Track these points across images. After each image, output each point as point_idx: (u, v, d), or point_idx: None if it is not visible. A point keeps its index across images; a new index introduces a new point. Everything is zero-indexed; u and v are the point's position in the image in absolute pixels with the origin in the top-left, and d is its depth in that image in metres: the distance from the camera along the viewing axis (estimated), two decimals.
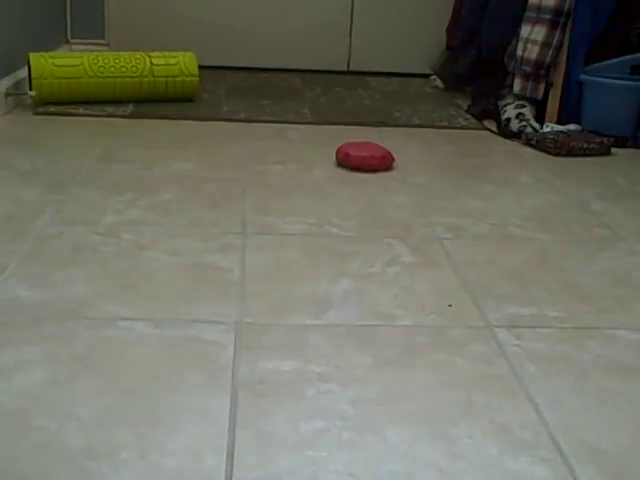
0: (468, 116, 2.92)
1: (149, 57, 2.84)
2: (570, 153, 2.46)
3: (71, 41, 3.57)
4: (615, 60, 2.71)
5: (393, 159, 2.23)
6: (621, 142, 2.58)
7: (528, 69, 2.74)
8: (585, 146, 2.49)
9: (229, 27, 3.63)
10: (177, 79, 2.85)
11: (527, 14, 2.77)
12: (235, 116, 2.74)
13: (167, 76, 2.84)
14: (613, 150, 2.53)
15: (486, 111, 2.87)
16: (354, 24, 3.68)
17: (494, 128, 2.75)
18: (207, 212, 1.81)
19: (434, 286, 1.49)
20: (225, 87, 3.23)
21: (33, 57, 2.70)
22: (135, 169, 2.10)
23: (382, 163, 2.20)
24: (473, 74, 3.16)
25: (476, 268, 1.58)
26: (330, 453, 0.99)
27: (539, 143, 2.52)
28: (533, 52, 2.72)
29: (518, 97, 2.79)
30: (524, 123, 2.65)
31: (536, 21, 2.72)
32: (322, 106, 2.98)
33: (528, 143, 2.57)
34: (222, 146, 2.38)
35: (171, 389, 1.11)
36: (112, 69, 2.77)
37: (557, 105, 2.74)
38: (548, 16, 2.67)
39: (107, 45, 3.59)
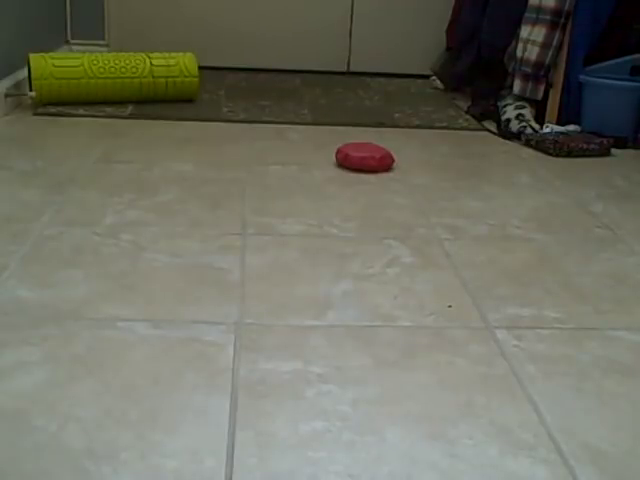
0: (468, 117, 2.92)
1: (149, 58, 2.84)
2: (570, 154, 2.47)
3: (71, 42, 3.57)
4: (615, 61, 2.71)
5: (393, 160, 2.23)
6: (621, 143, 2.58)
7: (528, 70, 2.74)
8: (585, 147, 2.49)
9: (229, 28, 3.64)
10: (177, 80, 2.86)
11: (527, 15, 2.77)
12: (235, 117, 2.74)
13: (167, 77, 2.84)
14: (613, 151, 2.54)
15: (486, 112, 2.88)
16: (354, 24, 3.68)
17: (494, 129, 2.75)
18: (207, 213, 1.81)
19: (434, 287, 1.49)
20: (225, 88, 3.23)
21: (33, 58, 2.70)
22: (135, 170, 2.10)
23: (382, 164, 2.20)
24: (473, 75, 3.16)
25: (476, 269, 1.58)
26: (330, 454, 0.99)
27: (539, 144, 2.52)
28: (533, 53, 2.72)
29: (518, 98, 2.79)
30: (524, 124, 2.65)
31: (536, 22, 2.72)
32: (322, 107, 2.98)
33: (528, 144, 2.57)
34: (222, 147, 2.38)
35: (171, 390, 1.11)
36: (112, 70, 2.77)
37: (557, 106, 2.74)
38: (548, 17, 2.67)
39: (107, 46, 3.60)
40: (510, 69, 2.88)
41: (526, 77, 2.76)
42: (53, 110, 2.68)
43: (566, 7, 2.65)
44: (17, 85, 2.72)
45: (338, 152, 2.23)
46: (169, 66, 2.85)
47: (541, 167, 2.35)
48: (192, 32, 3.60)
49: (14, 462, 0.95)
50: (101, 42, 3.60)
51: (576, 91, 2.70)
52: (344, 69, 3.72)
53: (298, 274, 1.52)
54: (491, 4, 3.04)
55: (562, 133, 2.59)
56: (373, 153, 2.21)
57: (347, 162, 2.20)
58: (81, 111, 2.69)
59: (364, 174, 2.16)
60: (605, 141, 2.53)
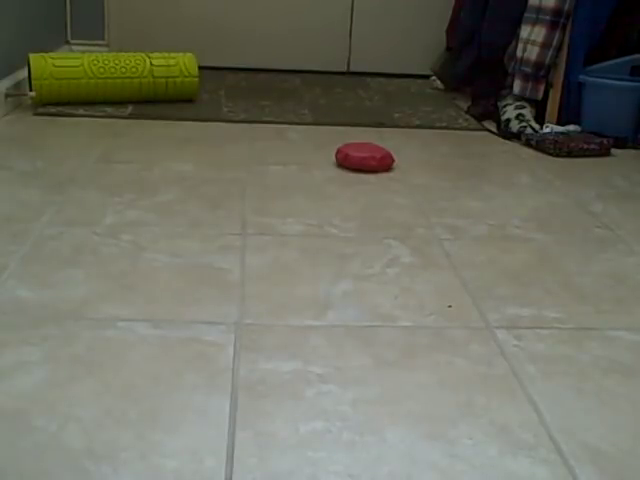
0: (468, 117, 2.92)
1: (149, 58, 2.84)
2: (570, 154, 2.47)
3: (71, 42, 3.57)
4: (615, 61, 2.71)
5: (393, 160, 2.23)
6: (621, 143, 2.58)
7: (528, 70, 2.74)
8: (585, 147, 2.49)
9: (229, 28, 3.64)
10: (177, 80, 2.85)
11: (527, 15, 2.77)
12: (235, 117, 2.74)
13: (167, 77, 2.84)
14: (613, 151, 2.54)
15: (486, 112, 2.88)
16: (354, 24, 3.68)
17: (494, 129, 2.75)
18: (207, 213, 1.81)
19: (434, 287, 1.49)
20: (225, 88, 3.23)
21: (33, 58, 2.70)
22: (135, 170, 2.10)
23: (382, 164, 2.20)
24: (473, 75, 3.16)
25: (476, 269, 1.58)
26: (330, 454, 0.99)
27: (539, 144, 2.52)
28: (533, 53, 2.72)
29: (518, 98, 2.79)
30: (524, 124, 2.65)
31: (536, 22, 2.72)
32: (322, 107, 2.98)
33: (528, 144, 2.57)
34: (222, 147, 2.38)
35: (171, 390, 1.11)
36: (112, 70, 2.77)
37: (557, 106, 2.74)
38: (548, 17, 2.67)
39: (107, 46, 3.60)
40: (510, 69, 2.88)
41: (526, 77, 2.76)
42: (53, 110, 2.68)
43: (566, 7, 2.65)
44: (17, 85, 2.72)
45: (338, 152, 2.23)
46: (169, 66, 2.85)
47: (541, 167, 2.35)
48: (192, 32, 3.60)
49: (14, 462, 0.95)
50: (101, 42, 3.60)
51: (576, 91, 2.70)
52: (344, 69, 3.72)
53: (298, 274, 1.52)
54: (491, 4, 3.04)
55: (562, 133, 2.59)
56: (373, 153, 2.21)
57: (347, 162, 2.19)
58: (81, 111, 2.69)
59: (364, 174, 2.16)
60: (605, 141, 2.53)
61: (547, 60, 2.70)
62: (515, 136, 2.64)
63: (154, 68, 2.82)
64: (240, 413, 1.06)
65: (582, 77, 2.68)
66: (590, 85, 2.66)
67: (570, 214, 1.94)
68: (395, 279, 1.51)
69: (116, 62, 2.79)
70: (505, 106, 2.79)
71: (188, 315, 1.33)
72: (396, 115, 2.90)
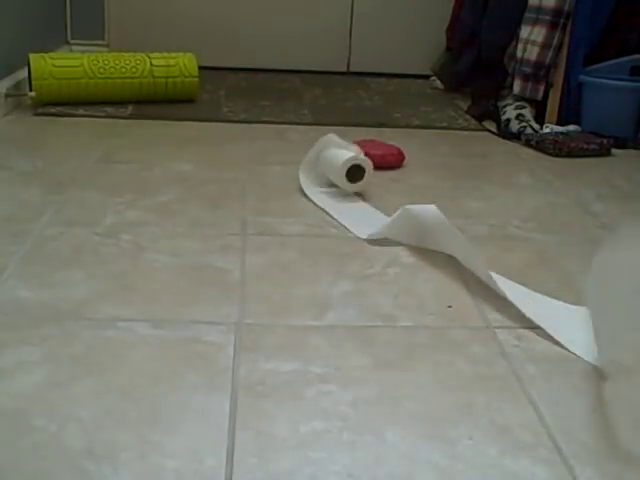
0: (468, 117, 2.92)
1: (149, 58, 2.84)
2: (570, 154, 2.47)
3: (71, 42, 3.57)
4: (615, 61, 2.71)
5: (404, 156, 2.25)
6: (621, 143, 2.58)
7: (528, 70, 2.74)
8: (585, 147, 2.49)
9: (229, 28, 3.64)
10: (177, 80, 2.85)
11: (527, 15, 2.78)
12: (235, 117, 2.74)
13: (167, 77, 2.84)
14: (613, 151, 2.54)
15: (486, 112, 2.88)
16: (354, 25, 3.68)
17: (494, 129, 2.75)
18: (207, 213, 1.81)
19: (434, 287, 1.49)
20: (225, 88, 3.23)
21: (33, 58, 2.70)
22: (135, 170, 2.10)
23: (398, 159, 2.22)
24: (473, 75, 3.16)
25: None
26: (330, 454, 0.99)
27: (539, 144, 2.52)
28: (533, 53, 2.72)
29: (518, 98, 2.79)
30: (524, 124, 2.65)
31: (536, 22, 2.72)
32: (322, 107, 2.98)
33: (528, 144, 2.57)
34: (222, 147, 2.38)
35: (171, 390, 1.11)
36: (112, 70, 2.77)
37: (557, 106, 2.74)
38: (548, 17, 2.68)
39: (107, 46, 3.60)
40: (510, 69, 2.88)
41: (526, 77, 2.76)
42: (53, 110, 2.68)
43: (566, 7, 2.65)
44: (17, 85, 2.72)
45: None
46: (169, 66, 2.85)
47: (541, 167, 2.35)
48: (192, 32, 3.60)
49: (14, 462, 0.95)
50: (101, 42, 3.60)
51: (576, 91, 2.70)
52: (344, 69, 3.72)
53: (298, 274, 1.52)
54: (491, 4, 3.04)
55: (562, 133, 2.59)
56: (389, 150, 2.22)
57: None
58: (81, 111, 2.69)
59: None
60: (605, 141, 2.53)
61: (547, 60, 2.70)
62: (515, 136, 2.64)
63: (154, 68, 2.82)
64: (240, 413, 1.06)
65: (582, 77, 2.68)
66: (590, 85, 2.66)
67: (570, 214, 1.94)
68: (395, 279, 1.51)
69: (116, 62, 2.79)
70: (505, 106, 2.79)
71: (188, 315, 1.33)
72: (396, 115, 2.90)
